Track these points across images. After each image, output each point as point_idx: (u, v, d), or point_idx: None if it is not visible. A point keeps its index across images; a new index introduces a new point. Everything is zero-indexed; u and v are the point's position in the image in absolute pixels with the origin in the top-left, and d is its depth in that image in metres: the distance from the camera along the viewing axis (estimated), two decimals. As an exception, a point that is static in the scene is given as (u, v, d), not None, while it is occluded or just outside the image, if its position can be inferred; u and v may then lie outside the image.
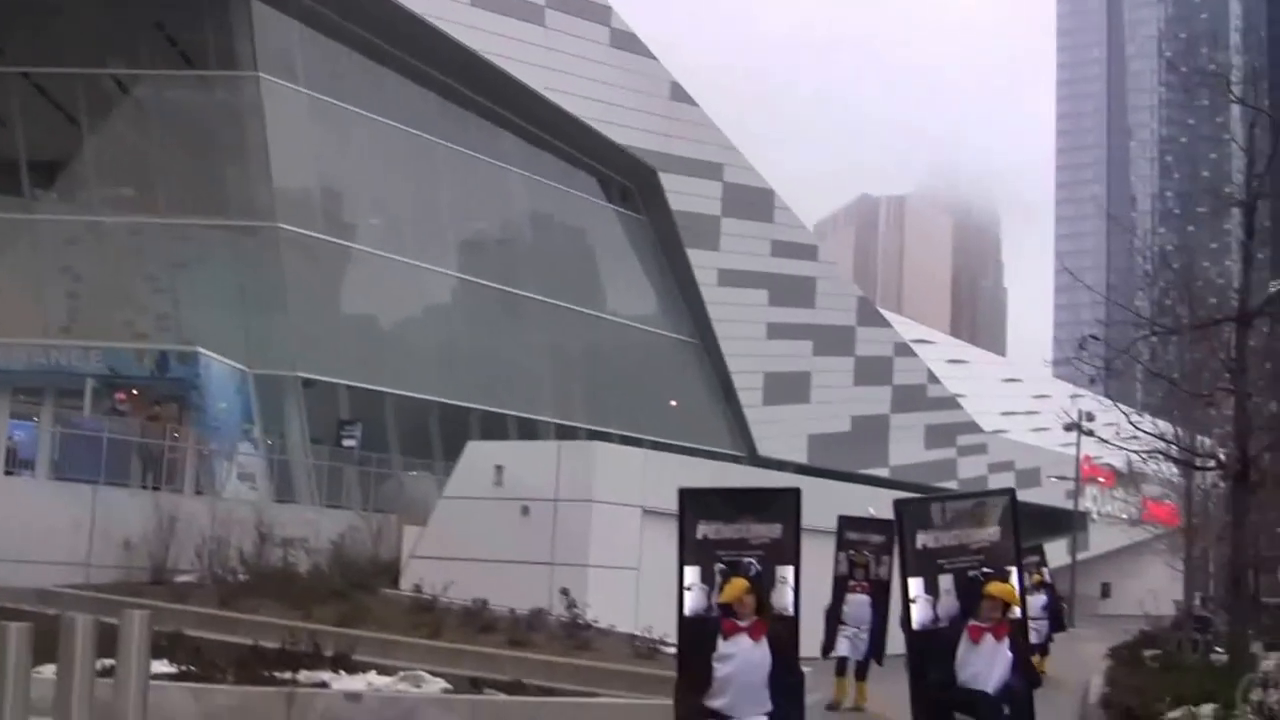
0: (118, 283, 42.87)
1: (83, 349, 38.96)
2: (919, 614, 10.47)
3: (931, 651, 10.13)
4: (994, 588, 9.99)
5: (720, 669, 10.71)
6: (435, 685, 19.95)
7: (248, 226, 43.45)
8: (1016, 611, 10.16)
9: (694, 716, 11.00)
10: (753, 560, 10.98)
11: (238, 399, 39.09)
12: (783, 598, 11.21)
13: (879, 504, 33.97)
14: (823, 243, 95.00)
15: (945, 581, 10.34)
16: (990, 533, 10.42)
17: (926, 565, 10.45)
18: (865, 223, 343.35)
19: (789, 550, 11.23)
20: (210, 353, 37.88)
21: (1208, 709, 19.91)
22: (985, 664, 9.83)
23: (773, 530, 11.20)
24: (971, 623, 10.01)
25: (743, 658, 10.64)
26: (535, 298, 53.45)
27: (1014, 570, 10.41)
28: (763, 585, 10.89)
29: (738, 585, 10.62)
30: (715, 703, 10.71)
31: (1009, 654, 9.93)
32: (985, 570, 10.11)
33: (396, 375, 46.72)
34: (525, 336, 52.96)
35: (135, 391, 37.73)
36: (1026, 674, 10.25)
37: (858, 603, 24.89)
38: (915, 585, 10.48)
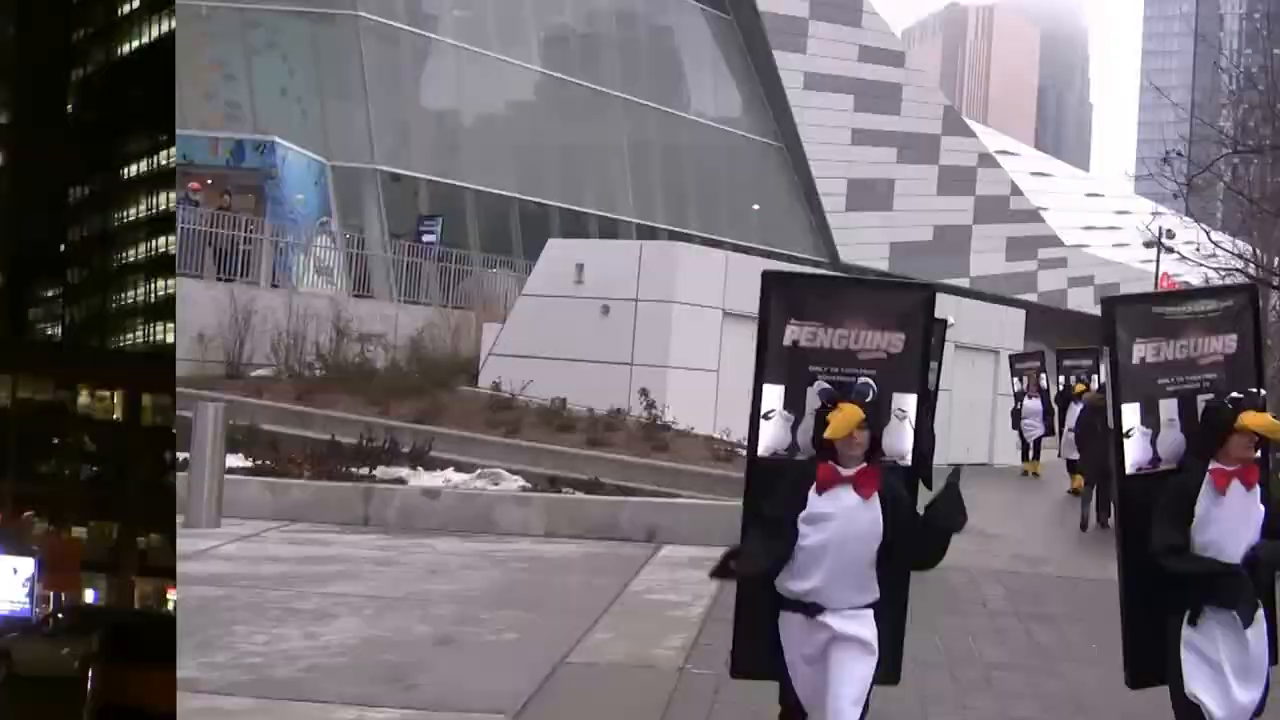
0: (192, 71, 42.37)
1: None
2: (1135, 453, 7.75)
3: (1153, 505, 7.53)
4: (1250, 418, 7.40)
5: (809, 536, 7.33)
6: (513, 483, 20.05)
7: (326, 14, 42.93)
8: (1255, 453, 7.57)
9: (757, 606, 7.74)
10: (869, 380, 7.54)
11: (315, 191, 38.67)
12: (899, 440, 7.82)
13: (961, 314, 33.68)
14: (910, 51, 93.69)
15: (1168, 408, 7.74)
16: (1226, 342, 7.84)
17: (1146, 386, 7.74)
18: (953, 32, 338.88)
19: (912, 372, 7.86)
20: (287, 143, 37.40)
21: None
22: (1233, 522, 7.41)
23: (891, 342, 7.78)
24: (1214, 465, 7.45)
25: (845, 520, 7.29)
26: (619, 95, 52.85)
27: (1261, 392, 7.71)
28: (879, 418, 7.53)
29: (850, 415, 7.24)
30: (798, 585, 7.40)
31: (1261, 507, 7.49)
32: (1234, 396, 7.53)
33: (477, 171, 46.38)
34: (608, 135, 52.52)
35: (209, 180, 37.25)
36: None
37: None
38: (1130, 413, 7.72)
